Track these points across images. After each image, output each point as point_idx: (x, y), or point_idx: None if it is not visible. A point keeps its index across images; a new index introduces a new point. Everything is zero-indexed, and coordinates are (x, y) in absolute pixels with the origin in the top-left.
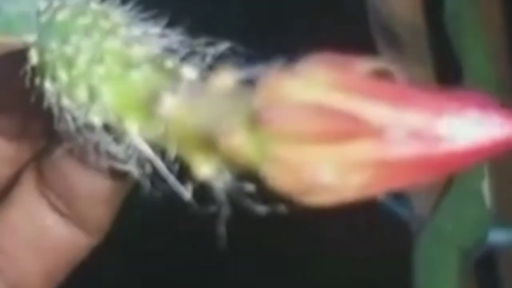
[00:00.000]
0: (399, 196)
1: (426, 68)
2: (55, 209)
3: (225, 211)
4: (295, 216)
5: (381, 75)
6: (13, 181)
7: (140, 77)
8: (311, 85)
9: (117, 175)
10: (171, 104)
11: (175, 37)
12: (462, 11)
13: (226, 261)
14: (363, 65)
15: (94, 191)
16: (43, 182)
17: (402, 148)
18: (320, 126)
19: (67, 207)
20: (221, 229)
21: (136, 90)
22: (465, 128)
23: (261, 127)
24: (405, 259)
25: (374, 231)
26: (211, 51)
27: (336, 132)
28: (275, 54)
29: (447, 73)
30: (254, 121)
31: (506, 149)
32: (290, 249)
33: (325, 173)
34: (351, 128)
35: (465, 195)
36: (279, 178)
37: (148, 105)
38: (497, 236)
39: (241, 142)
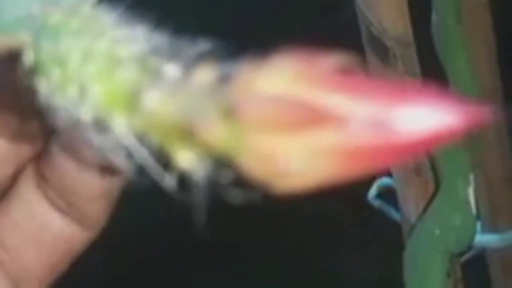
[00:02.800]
0: (392, 201)
1: (415, 79)
2: (54, 205)
3: (205, 198)
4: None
5: (345, 70)
6: (14, 180)
7: (127, 75)
8: (279, 79)
9: (112, 172)
10: (154, 99)
11: (159, 38)
12: (447, 25)
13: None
14: (327, 61)
15: (91, 188)
16: (43, 181)
17: (362, 136)
18: (286, 116)
19: (66, 204)
20: (201, 216)
21: (122, 87)
22: (419, 117)
23: (234, 119)
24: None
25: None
26: (193, 50)
27: (301, 121)
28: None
29: (434, 83)
30: (229, 113)
31: (457, 137)
32: (284, 252)
33: (292, 160)
34: (315, 118)
35: (452, 202)
36: (251, 165)
37: (134, 101)
38: (488, 239)
39: (216, 133)
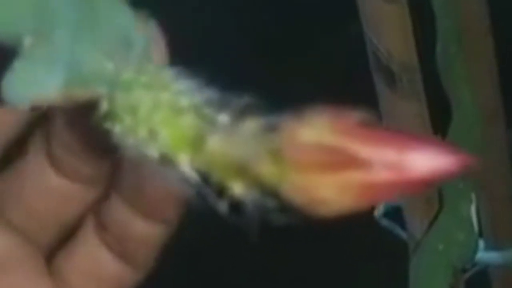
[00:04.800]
0: (398, 219)
1: (420, 103)
2: (111, 249)
3: (254, 221)
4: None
5: (364, 123)
6: (80, 222)
7: (188, 121)
8: (317, 130)
9: (163, 221)
10: (214, 142)
11: (212, 91)
12: (449, 53)
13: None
14: (353, 116)
15: (144, 236)
16: (102, 228)
17: (380, 175)
18: (323, 159)
19: (121, 249)
20: (252, 235)
21: (185, 131)
22: (421, 161)
23: (281, 159)
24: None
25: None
26: (239, 102)
27: (334, 163)
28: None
29: (438, 107)
30: (278, 155)
31: (449, 176)
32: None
33: (327, 192)
34: (345, 160)
35: (455, 220)
36: (295, 196)
37: (196, 142)
38: (491, 256)
39: (266, 170)
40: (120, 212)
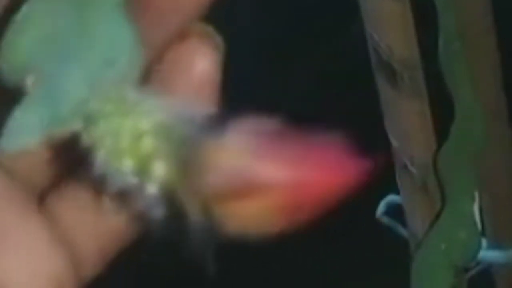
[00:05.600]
0: (400, 218)
1: (422, 100)
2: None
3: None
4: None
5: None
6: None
7: (148, 145)
8: (232, 154)
9: None
10: (162, 168)
11: (175, 107)
12: (451, 50)
13: None
14: (271, 125)
15: None
16: None
17: (283, 198)
18: (240, 186)
19: None
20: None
21: (144, 157)
22: (319, 181)
23: (204, 187)
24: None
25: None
26: (203, 115)
27: (251, 189)
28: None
29: (440, 105)
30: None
31: (357, 187)
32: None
33: (250, 218)
34: (259, 186)
35: (457, 218)
36: (226, 221)
37: (149, 167)
38: (494, 255)
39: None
40: None
